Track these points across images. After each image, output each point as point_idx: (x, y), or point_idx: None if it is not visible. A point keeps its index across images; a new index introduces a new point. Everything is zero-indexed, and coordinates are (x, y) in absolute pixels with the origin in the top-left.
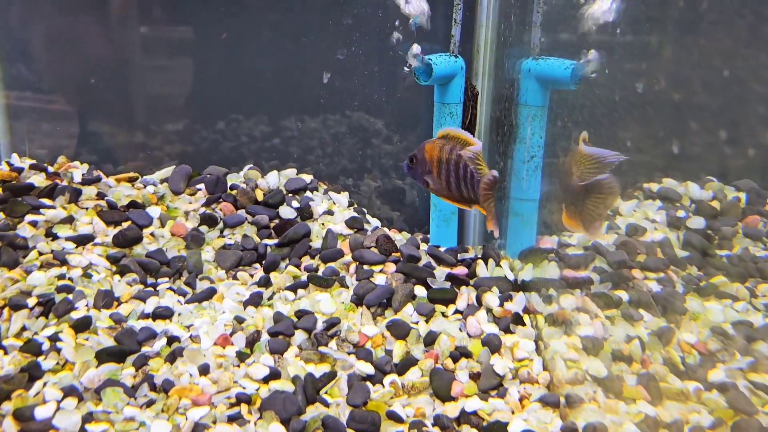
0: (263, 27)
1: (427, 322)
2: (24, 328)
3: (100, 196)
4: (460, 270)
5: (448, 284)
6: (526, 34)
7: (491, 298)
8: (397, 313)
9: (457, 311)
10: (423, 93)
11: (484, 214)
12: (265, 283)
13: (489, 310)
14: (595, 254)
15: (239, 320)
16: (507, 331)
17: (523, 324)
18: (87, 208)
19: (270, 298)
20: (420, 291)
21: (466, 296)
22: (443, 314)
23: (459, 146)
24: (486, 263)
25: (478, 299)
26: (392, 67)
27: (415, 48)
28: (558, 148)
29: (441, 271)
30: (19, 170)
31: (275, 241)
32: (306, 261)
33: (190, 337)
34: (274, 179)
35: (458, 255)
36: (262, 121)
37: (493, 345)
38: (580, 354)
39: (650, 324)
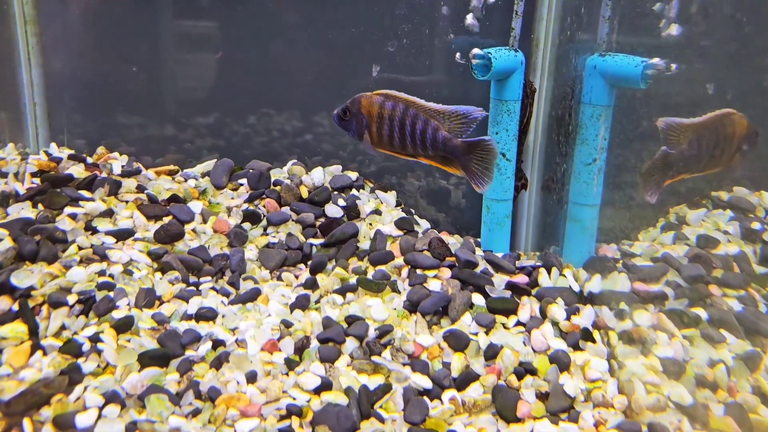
0: (313, 19)
1: (487, 333)
2: (63, 327)
3: (140, 189)
4: (521, 278)
5: (508, 293)
6: (593, 29)
7: (557, 310)
8: (454, 323)
9: (519, 323)
10: (476, 88)
11: (432, 164)
12: (312, 285)
13: (555, 324)
14: (667, 266)
15: (287, 324)
16: (576, 347)
17: (594, 340)
18: (127, 202)
19: (317, 302)
20: (478, 299)
21: (528, 307)
22: (504, 326)
23: (402, 104)
24: (549, 272)
25: (542, 311)
26: (443, 61)
27: (475, 51)
28: (622, 150)
29: (499, 279)
30: (58, 160)
31: (321, 240)
32: (354, 263)
33: (236, 341)
34: (319, 176)
35: (516, 262)
36: (308, 114)
37: (561, 362)
38: (660, 377)
39: (734, 347)
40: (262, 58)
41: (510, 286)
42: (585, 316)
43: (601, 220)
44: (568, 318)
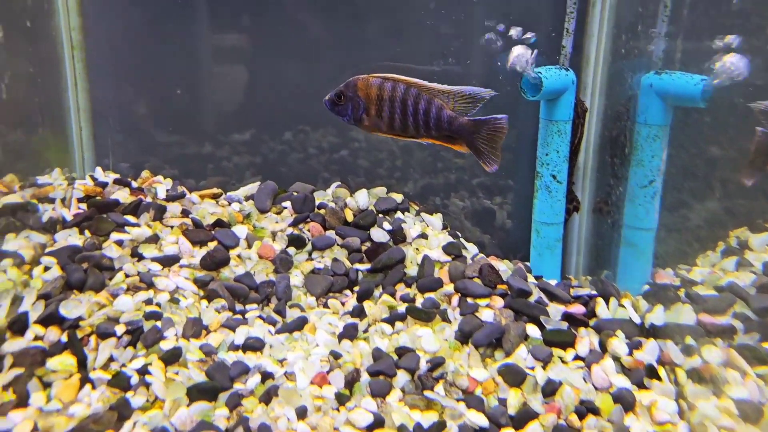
0: (355, 37)
1: (544, 368)
2: (111, 359)
3: (185, 213)
4: (577, 308)
5: (564, 325)
6: (647, 46)
7: (618, 344)
8: (509, 356)
9: (578, 357)
10: (525, 107)
11: (440, 144)
12: (359, 313)
13: (616, 359)
14: (734, 297)
15: (335, 355)
16: (641, 385)
17: (659, 378)
18: (172, 227)
19: (366, 331)
20: (533, 331)
21: (587, 340)
22: (562, 360)
23: (402, 84)
24: (607, 302)
25: (602, 345)
26: (490, 80)
27: (522, 53)
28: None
29: (554, 309)
30: (103, 185)
31: (367, 266)
32: (401, 289)
33: (285, 373)
34: (363, 198)
35: (571, 290)
36: (344, 130)
37: (626, 402)
38: (736, 422)
39: None
40: (300, 75)
41: (566, 316)
42: (648, 351)
43: (657, 244)
44: (630, 353)
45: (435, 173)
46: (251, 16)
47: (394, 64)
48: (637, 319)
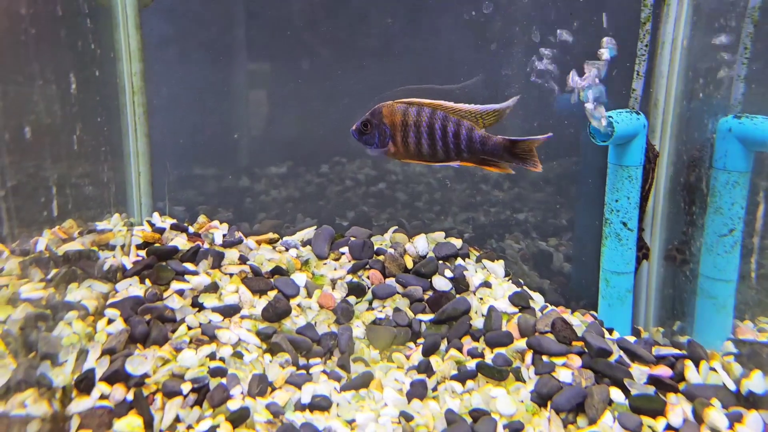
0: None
1: None
2: (178, 419)
3: (242, 260)
4: (663, 371)
5: (651, 389)
6: (724, 88)
7: (715, 415)
8: (593, 424)
9: (670, 427)
10: (593, 151)
11: (467, 165)
12: (426, 368)
13: None
14: None
15: (407, 417)
16: None
17: None
18: (231, 275)
19: (435, 389)
20: (617, 395)
21: (679, 409)
22: (652, 429)
23: (428, 108)
24: (696, 365)
25: (696, 415)
26: (554, 122)
27: (600, 112)
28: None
29: (638, 371)
30: (161, 231)
31: (430, 316)
32: (468, 343)
33: None
34: (423, 244)
35: (652, 348)
36: (379, 163)
37: None
38: None
39: None
40: (340, 111)
41: (653, 380)
42: (752, 425)
43: (739, 297)
44: (731, 426)
45: (476, 207)
46: (301, 54)
47: (418, 87)
48: (732, 386)
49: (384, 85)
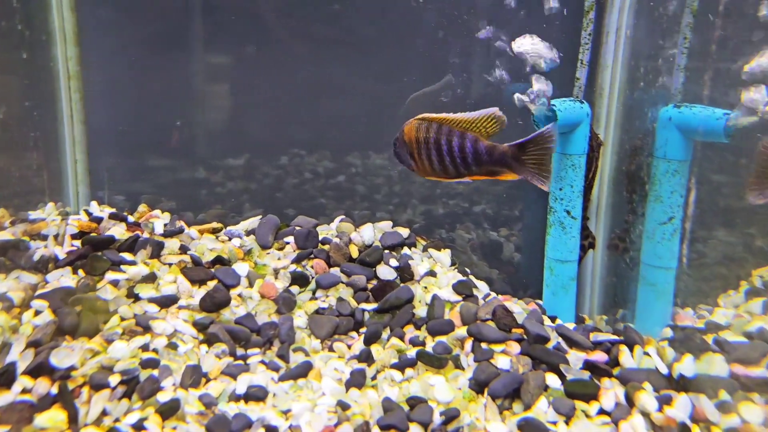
0: (364, 69)
1: (567, 423)
2: (105, 413)
3: (183, 250)
4: (599, 356)
5: (586, 374)
6: (665, 78)
7: (646, 398)
8: (528, 409)
9: (602, 411)
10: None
11: (476, 179)
12: (367, 357)
13: (645, 415)
14: (767, 346)
15: (343, 406)
16: None
17: None
18: (170, 264)
19: (374, 378)
20: (553, 381)
21: (612, 393)
22: (586, 414)
23: (435, 123)
24: (631, 350)
25: (629, 398)
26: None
27: (537, 85)
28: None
29: (575, 356)
30: (99, 220)
31: (374, 305)
32: (410, 332)
33: (290, 427)
34: (369, 233)
35: (590, 334)
36: (330, 159)
37: None
38: None
39: None
40: (295, 100)
41: (588, 365)
42: (680, 407)
43: (680, 285)
44: (660, 408)
45: (435, 199)
46: (253, 41)
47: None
48: (664, 369)
49: (344, 75)
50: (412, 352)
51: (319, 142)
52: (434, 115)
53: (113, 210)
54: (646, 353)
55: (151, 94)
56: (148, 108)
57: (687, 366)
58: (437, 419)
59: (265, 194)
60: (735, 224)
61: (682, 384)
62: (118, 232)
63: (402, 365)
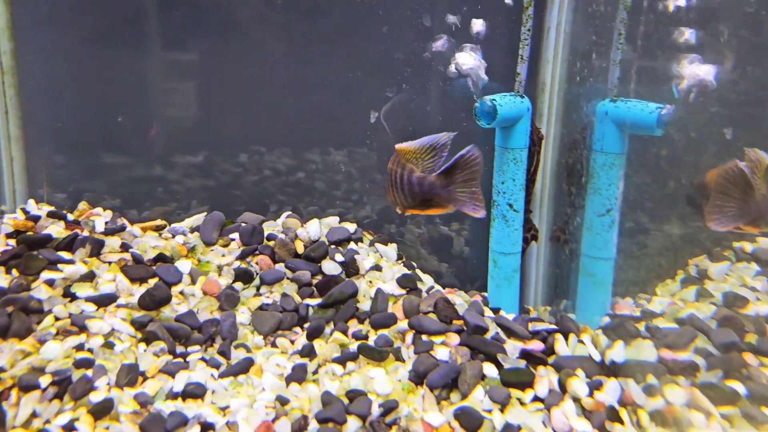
0: (303, 63)
1: (502, 411)
2: (34, 414)
3: (125, 247)
4: (535, 345)
5: (522, 363)
6: (602, 73)
7: (578, 384)
8: (465, 398)
9: (537, 398)
10: (481, 135)
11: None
12: (309, 352)
13: (576, 400)
14: (695, 331)
15: (282, 401)
16: (602, 429)
17: (622, 421)
18: (110, 263)
19: (315, 372)
20: (490, 370)
21: (546, 380)
22: (520, 401)
23: (394, 154)
24: (566, 338)
25: (562, 385)
26: (445, 107)
27: (464, 59)
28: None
29: (512, 346)
30: (36, 219)
31: (318, 301)
32: (354, 326)
33: (227, 423)
34: (315, 229)
35: (529, 324)
36: (290, 156)
37: None
38: None
39: None
40: (252, 95)
41: (524, 354)
42: (609, 392)
43: (615, 272)
44: (590, 393)
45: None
46: (200, 36)
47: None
48: (597, 356)
49: (303, 71)
50: (354, 346)
51: (280, 139)
52: (405, 145)
53: (52, 208)
54: (581, 341)
55: (94, 90)
56: (90, 104)
57: (618, 352)
58: (376, 411)
59: (216, 192)
60: (673, 216)
61: (613, 370)
62: (56, 230)
63: (344, 359)
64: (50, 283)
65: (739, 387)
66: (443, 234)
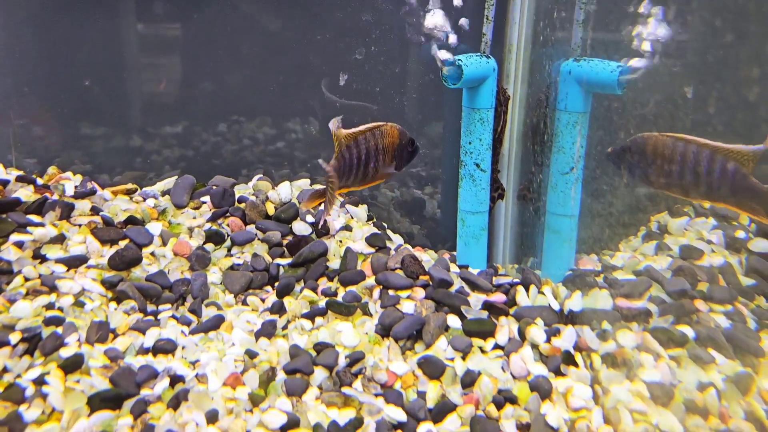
0: (271, 23)
1: (463, 358)
2: (5, 370)
3: (95, 211)
4: (498, 297)
5: (485, 314)
6: (566, 33)
7: (536, 332)
8: (429, 348)
9: (497, 346)
10: (449, 96)
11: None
12: (279, 309)
13: (534, 347)
14: (650, 281)
15: (251, 355)
16: (558, 372)
17: (576, 365)
18: (80, 225)
19: (284, 328)
20: (453, 321)
21: (506, 329)
22: (481, 349)
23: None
24: (527, 290)
25: (521, 333)
26: (414, 69)
27: (442, 54)
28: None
29: (476, 298)
30: (5, 183)
31: (288, 260)
32: (323, 283)
33: (196, 376)
34: (286, 191)
35: (493, 278)
36: (267, 123)
37: (542, 390)
38: (647, 404)
39: (724, 368)
40: (229, 63)
41: (487, 305)
42: (566, 338)
43: (580, 230)
44: (548, 340)
45: None
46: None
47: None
48: (556, 306)
49: (283, 44)
50: (322, 303)
51: (260, 108)
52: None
53: (21, 173)
54: (542, 293)
55: (61, 55)
56: (58, 69)
57: (575, 302)
58: (342, 362)
59: (171, 153)
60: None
61: (571, 318)
62: (25, 194)
63: (312, 314)
64: (19, 245)
65: (688, 331)
66: (416, 197)
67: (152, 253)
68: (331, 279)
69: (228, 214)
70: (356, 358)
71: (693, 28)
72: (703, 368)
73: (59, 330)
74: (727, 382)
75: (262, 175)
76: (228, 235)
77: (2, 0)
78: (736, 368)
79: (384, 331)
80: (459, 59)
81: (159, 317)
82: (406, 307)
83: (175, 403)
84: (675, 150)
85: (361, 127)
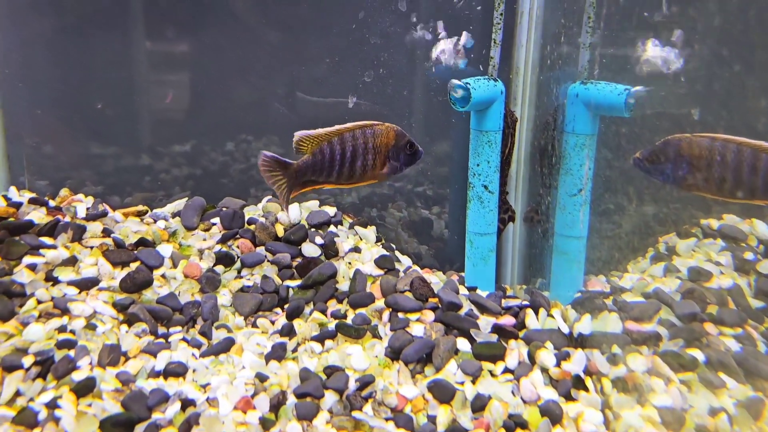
0: (279, 44)
1: (473, 382)
2: (18, 393)
3: (106, 233)
4: (507, 320)
5: (494, 337)
6: (573, 56)
7: (546, 355)
8: (439, 372)
9: (507, 370)
10: (457, 118)
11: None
12: (288, 331)
13: (544, 370)
14: (659, 303)
15: (261, 378)
16: (568, 397)
17: (586, 389)
18: (92, 248)
19: (294, 350)
20: (463, 344)
21: (516, 352)
22: (491, 373)
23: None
24: (536, 312)
25: (531, 356)
26: (423, 91)
27: (453, 81)
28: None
29: (485, 321)
30: (18, 205)
31: (298, 282)
32: (332, 306)
33: (207, 399)
34: (295, 212)
35: (502, 301)
36: (274, 142)
37: (553, 415)
38: (658, 429)
39: (735, 392)
40: (236, 82)
41: (496, 329)
42: (576, 362)
43: (588, 251)
44: (558, 364)
45: (387, 186)
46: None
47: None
48: (565, 329)
49: (290, 64)
50: (332, 325)
51: (268, 127)
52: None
53: (34, 195)
54: (551, 316)
55: (74, 78)
56: (71, 92)
57: (585, 325)
58: (352, 386)
59: (182, 176)
60: (646, 196)
61: (580, 341)
62: (38, 216)
63: (322, 337)
64: (32, 267)
65: (698, 355)
66: (424, 217)
67: (163, 275)
68: (340, 301)
69: (238, 236)
70: (366, 381)
71: (700, 55)
72: (714, 393)
73: (71, 353)
74: (739, 407)
75: (271, 197)
76: (238, 257)
77: (15, 22)
78: (748, 393)
79: (394, 354)
80: (467, 82)
81: (170, 340)
82: (416, 329)
83: (186, 427)
84: (713, 150)
85: (348, 125)
